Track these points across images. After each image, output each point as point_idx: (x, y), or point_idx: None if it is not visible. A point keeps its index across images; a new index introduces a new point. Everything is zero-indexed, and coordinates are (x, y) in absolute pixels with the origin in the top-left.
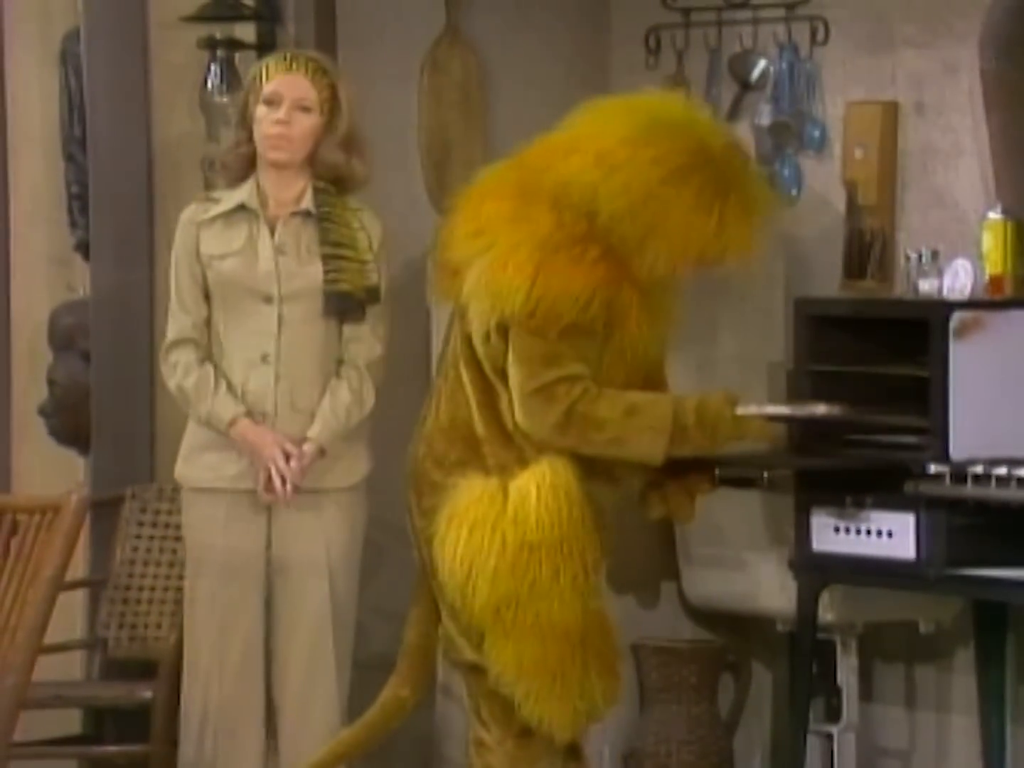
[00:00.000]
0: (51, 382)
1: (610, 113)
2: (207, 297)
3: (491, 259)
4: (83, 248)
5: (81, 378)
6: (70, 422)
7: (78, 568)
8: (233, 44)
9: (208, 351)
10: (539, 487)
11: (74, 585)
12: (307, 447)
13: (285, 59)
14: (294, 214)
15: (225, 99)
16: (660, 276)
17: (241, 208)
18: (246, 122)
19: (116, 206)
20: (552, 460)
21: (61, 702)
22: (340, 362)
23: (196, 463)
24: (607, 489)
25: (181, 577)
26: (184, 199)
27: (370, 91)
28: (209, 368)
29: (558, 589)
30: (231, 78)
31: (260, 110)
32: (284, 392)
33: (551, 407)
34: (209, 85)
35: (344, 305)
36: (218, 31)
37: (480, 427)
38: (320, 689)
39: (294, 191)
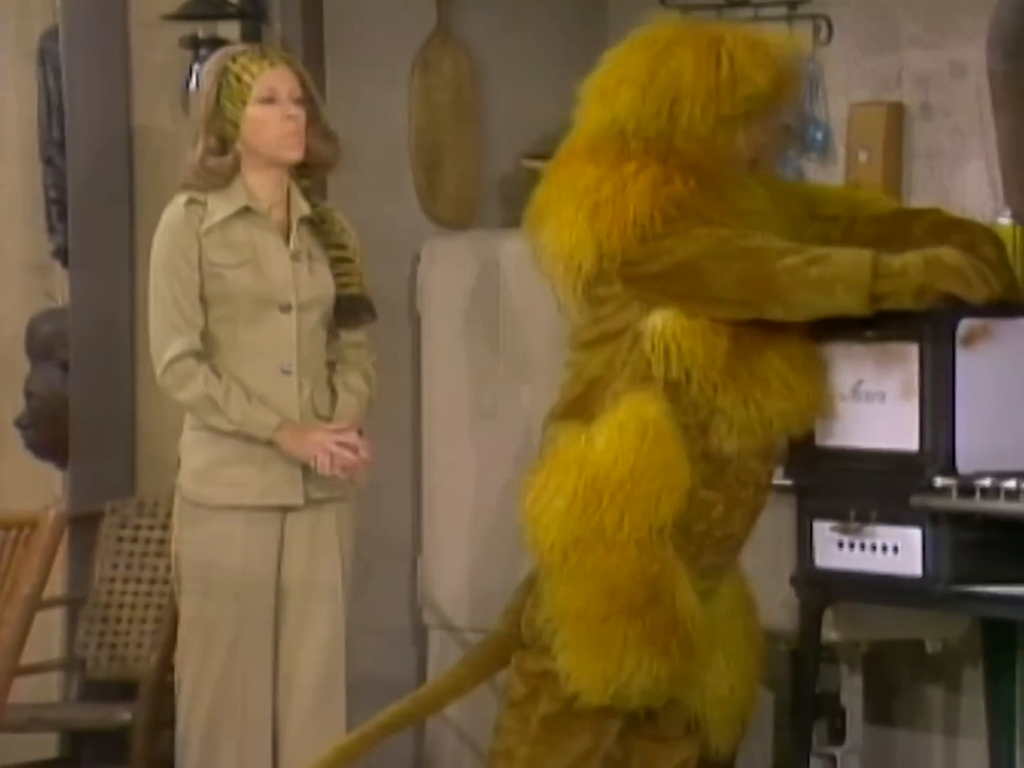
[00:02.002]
0: (28, 393)
1: (595, 70)
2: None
3: (548, 229)
4: (62, 255)
5: (59, 389)
6: (48, 434)
7: (56, 586)
8: (217, 43)
9: (210, 362)
10: (611, 424)
11: (52, 603)
12: (354, 427)
13: (260, 55)
14: (302, 220)
15: None
16: (707, 139)
17: (242, 211)
18: (217, 126)
19: (96, 211)
20: (636, 395)
21: (38, 725)
22: (335, 363)
23: (215, 480)
24: (740, 440)
25: (163, 595)
26: (166, 203)
27: (359, 91)
28: (229, 378)
29: (619, 539)
30: None
31: (258, 110)
32: (307, 401)
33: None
34: (192, 86)
35: (357, 308)
36: (201, 30)
37: (577, 386)
38: (331, 710)
39: (282, 191)
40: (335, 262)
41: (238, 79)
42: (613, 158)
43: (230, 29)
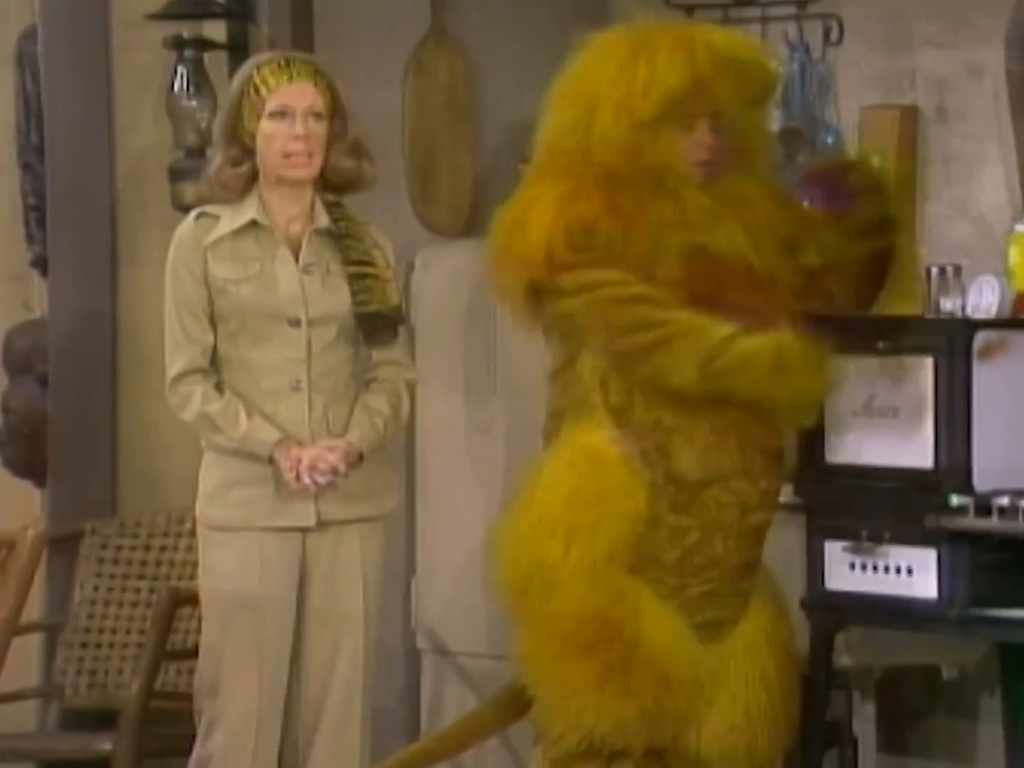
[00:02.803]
0: (6, 409)
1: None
2: (211, 322)
3: (494, 263)
4: (41, 264)
5: (38, 404)
6: (26, 452)
7: (33, 610)
8: (202, 44)
9: (219, 379)
10: (553, 457)
11: (29, 628)
12: (347, 445)
13: (283, 66)
14: (316, 232)
15: (193, 103)
16: (627, 146)
17: (251, 225)
18: (239, 137)
19: (76, 219)
20: (577, 424)
21: (14, 755)
22: (368, 383)
23: (226, 501)
24: (706, 458)
25: (144, 619)
26: (150, 211)
27: (350, 95)
28: (232, 395)
29: (563, 574)
30: (200, 81)
31: (268, 125)
32: (318, 420)
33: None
34: (176, 88)
35: (376, 326)
36: (186, 30)
37: (548, 421)
38: (347, 741)
39: (302, 204)
40: (353, 278)
41: (256, 91)
42: (557, 172)
43: (216, 29)
